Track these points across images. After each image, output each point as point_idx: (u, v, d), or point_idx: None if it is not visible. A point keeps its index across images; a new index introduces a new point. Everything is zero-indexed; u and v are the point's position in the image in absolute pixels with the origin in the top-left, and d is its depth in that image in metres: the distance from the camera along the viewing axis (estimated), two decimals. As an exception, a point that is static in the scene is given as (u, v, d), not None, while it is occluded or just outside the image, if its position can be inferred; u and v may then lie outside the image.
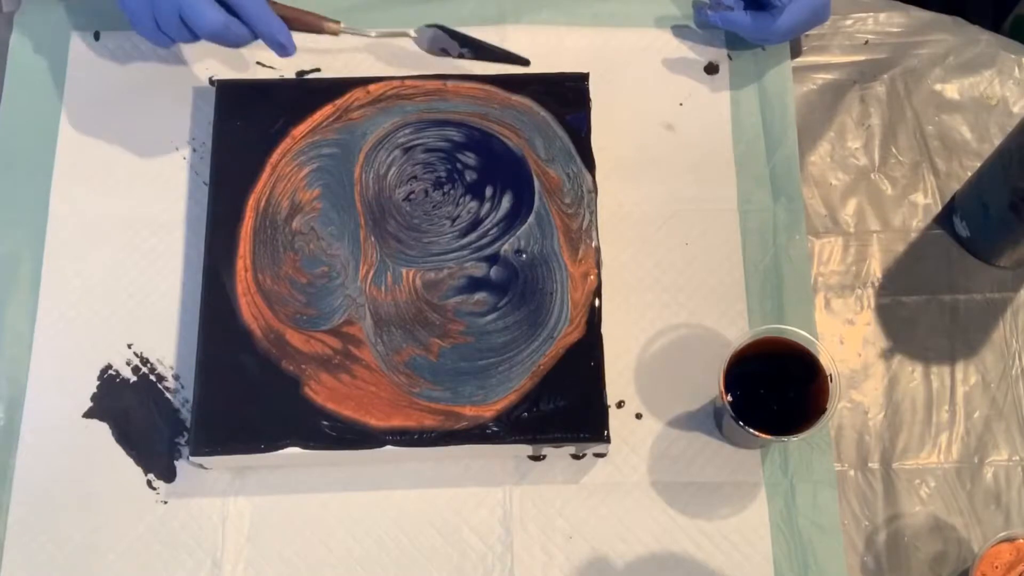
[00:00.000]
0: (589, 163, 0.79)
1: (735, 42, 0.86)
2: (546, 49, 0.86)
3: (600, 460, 0.76)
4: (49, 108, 0.83)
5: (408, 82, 0.81)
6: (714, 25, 0.85)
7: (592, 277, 0.76)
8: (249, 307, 0.75)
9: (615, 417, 0.76)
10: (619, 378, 0.77)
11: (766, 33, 0.82)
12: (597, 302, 0.75)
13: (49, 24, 0.86)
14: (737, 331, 0.78)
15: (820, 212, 0.83)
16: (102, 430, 0.75)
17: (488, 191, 0.78)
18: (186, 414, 0.76)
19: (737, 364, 0.70)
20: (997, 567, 0.69)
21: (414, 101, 0.80)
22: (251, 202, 0.77)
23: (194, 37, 0.75)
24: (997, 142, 0.81)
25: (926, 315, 0.80)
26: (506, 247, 0.77)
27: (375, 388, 0.73)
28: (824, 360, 0.70)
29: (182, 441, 0.75)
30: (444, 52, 0.82)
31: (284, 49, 0.76)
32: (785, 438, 0.69)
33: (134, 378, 0.77)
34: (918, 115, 0.85)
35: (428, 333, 0.74)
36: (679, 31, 0.87)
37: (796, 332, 0.70)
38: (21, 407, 0.76)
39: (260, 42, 0.86)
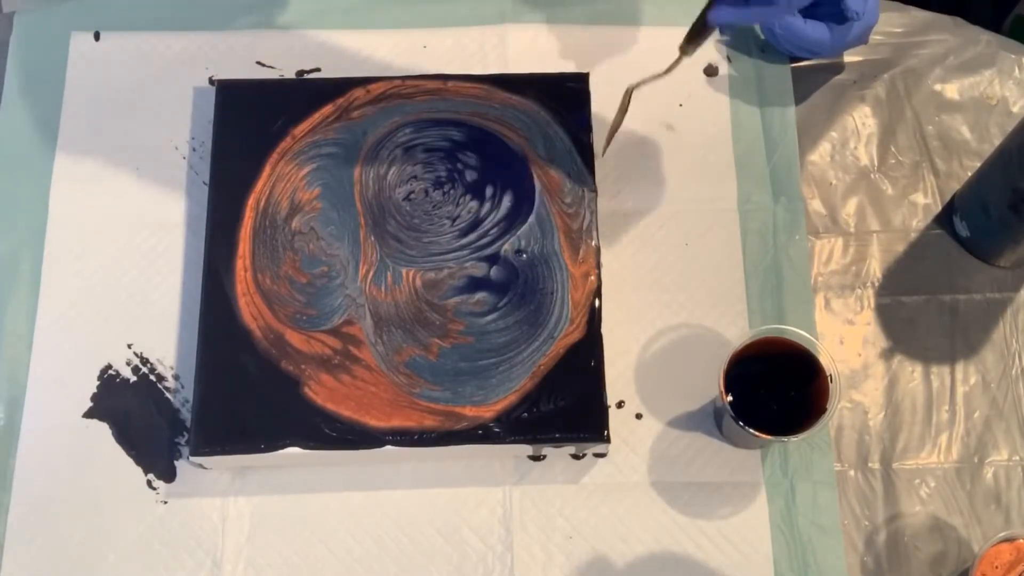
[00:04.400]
0: (589, 163, 0.79)
1: (734, 43, 0.86)
2: (546, 49, 0.86)
3: (600, 460, 0.76)
4: (49, 108, 0.83)
5: (408, 82, 0.81)
6: (776, 35, 0.83)
7: (592, 277, 0.76)
8: (249, 307, 0.75)
9: (615, 417, 0.76)
10: (619, 378, 0.77)
11: (828, 45, 0.82)
12: (597, 302, 0.75)
13: (49, 24, 0.86)
14: (737, 331, 0.78)
15: (820, 212, 0.83)
16: (102, 430, 0.75)
17: (488, 191, 0.78)
18: (186, 414, 0.76)
19: (737, 364, 0.70)
20: (997, 567, 0.69)
21: (414, 101, 0.80)
22: (251, 202, 0.77)
23: None
24: (997, 142, 0.81)
25: (926, 315, 0.80)
26: (506, 247, 0.77)
27: (375, 388, 0.73)
28: (824, 360, 0.70)
29: (182, 441, 0.75)
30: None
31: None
32: (785, 438, 0.69)
33: (134, 378, 0.77)
34: (918, 115, 0.85)
35: (428, 333, 0.74)
36: (679, 31, 0.86)
37: (796, 332, 0.70)
38: (21, 407, 0.76)
39: (259, 40, 0.86)
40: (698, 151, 0.84)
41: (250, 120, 0.79)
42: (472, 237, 0.77)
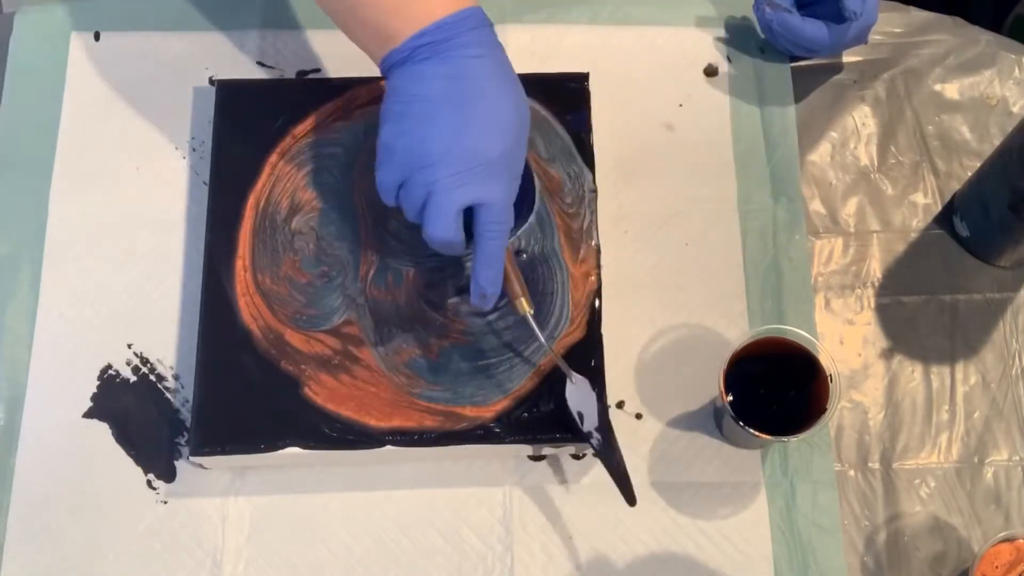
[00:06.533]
0: (589, 163, 0.79)
1: (734, 43, 0.86)
2: (546, 49, 0.86)
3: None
4: (49, 108, 0.83)
5: (408, 82, 0.81)
6: (774, 33, 0.83)
7: (592, 277, 0.76)
8: (248, 307, 0.75)
9: (615, 417, 0.76)
10: (619, 378, 0.77)
11: (826, 44, 0.82)
12: (597, 302, 0.75)
13: (49, 24, 0.86)
14: (737, 331, 0.78)
15: (820, 212, 0.83)
16: (102, 430, 0.75)
17: (488, 191, 0.78)
18: (186, 414, 0.76)
19: (737, 364, 0.70)
20: (997, 567, 0.69)
21: (414, 101, 0.80)
22: (251, 202, 0.77)
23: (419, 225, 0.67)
24: (997, 142, 0.81)
25: (926, 315, 0.80)
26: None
27: (375, 388, 0.73)
28: (824, 360, 0.70)
29: (182, 441, 0.75)
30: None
31: (484, 301, 0.68)
32: (785, 438, 0.69)
33: (134, 378, 0.77)
34: (918, 115, 0.85)
35: (428, 333, 0.74)
36: (679, 31, 0.87)
37: (796, 332, 0.70)
38: (21, 407, 0.76)
39: (259, 40, 0.86)
40: (698, 151, 0.84)
41: (250, 120, 0.79)
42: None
